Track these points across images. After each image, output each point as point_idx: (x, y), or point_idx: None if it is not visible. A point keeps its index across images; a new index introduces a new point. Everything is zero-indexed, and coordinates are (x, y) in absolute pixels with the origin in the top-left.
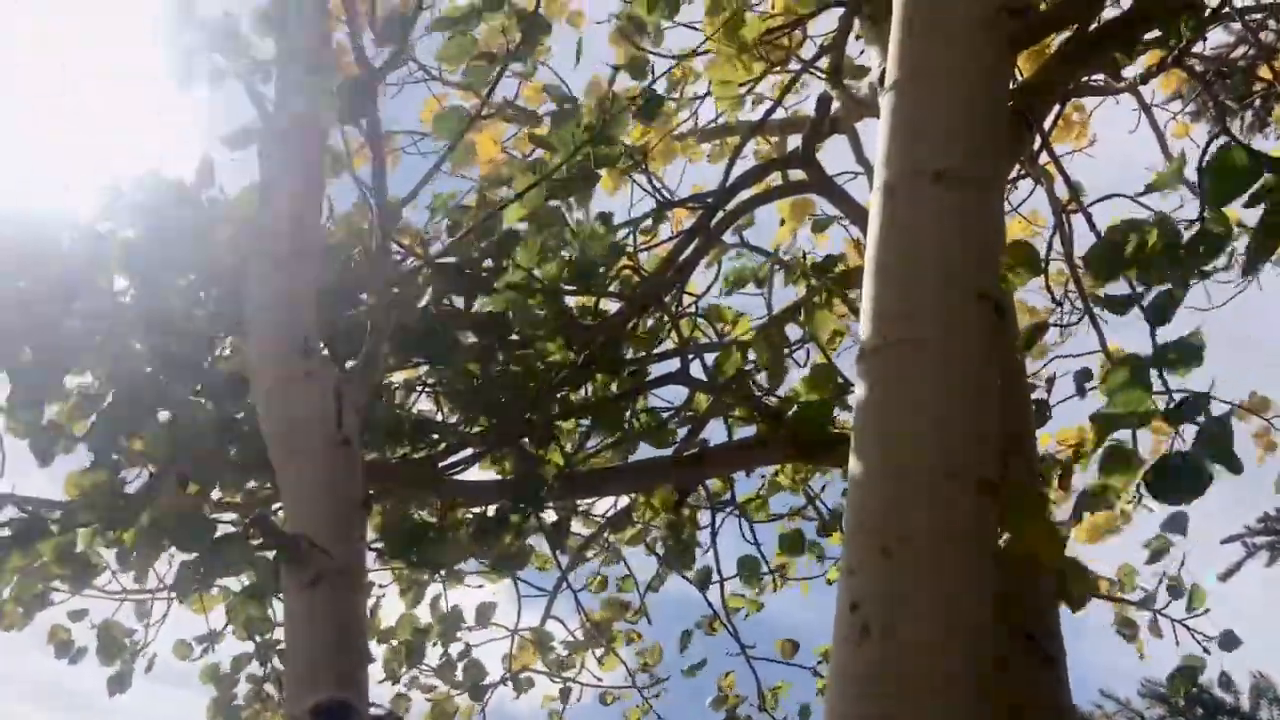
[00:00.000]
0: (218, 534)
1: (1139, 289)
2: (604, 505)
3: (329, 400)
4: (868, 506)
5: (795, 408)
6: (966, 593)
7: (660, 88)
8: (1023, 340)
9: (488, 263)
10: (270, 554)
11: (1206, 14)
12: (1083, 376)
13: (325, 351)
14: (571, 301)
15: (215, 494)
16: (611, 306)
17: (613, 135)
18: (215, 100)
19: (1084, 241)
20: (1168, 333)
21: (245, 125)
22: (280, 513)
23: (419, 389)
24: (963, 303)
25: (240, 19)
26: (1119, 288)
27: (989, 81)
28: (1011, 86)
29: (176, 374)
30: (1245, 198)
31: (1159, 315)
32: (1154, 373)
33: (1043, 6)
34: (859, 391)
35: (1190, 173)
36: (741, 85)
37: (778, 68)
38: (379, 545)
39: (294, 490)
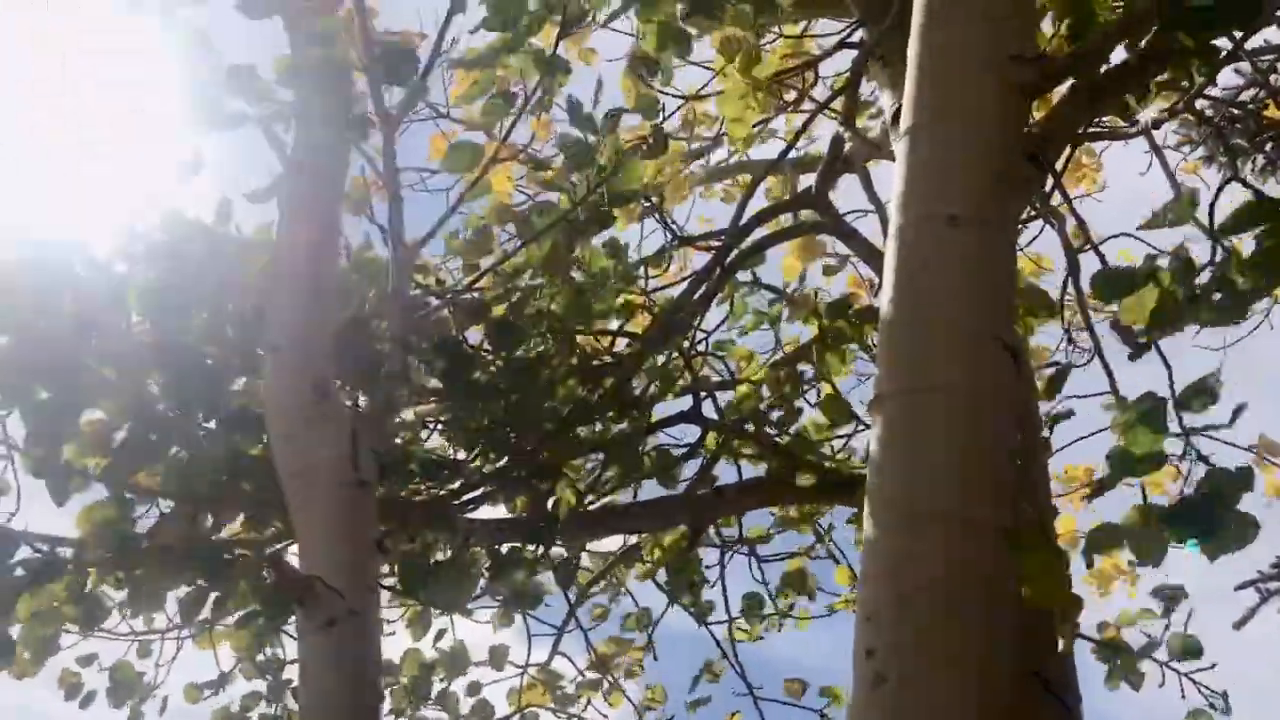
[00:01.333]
0: (225, 560)
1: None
2: (613, 542)
3: (345, 442)
4: (883, 552)
5: (805, 447)
6: (983, 643)
7: (672, 124)
8: (1045, 389)
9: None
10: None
11: (1221, 56)
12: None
13: (340, 390)
14: (583, 340)
15: (225, 529)
16: (621, 344)
17: (626, 178)
18: (233, 140)
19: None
20: (1183, 370)
21: (268, 180)
22: (293, 551)
23: (431, 425)
24: (978, 348)
25: (259, 66)
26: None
27: (1002, 127)
28: (1024, 129)
29: (190, 410)
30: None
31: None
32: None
33: (1053, 52)
34: (874, 436)
35: (1200, 211)
36: (754, 124)
37: (790, 107)
38: (391, 583)
39: (309, 532)
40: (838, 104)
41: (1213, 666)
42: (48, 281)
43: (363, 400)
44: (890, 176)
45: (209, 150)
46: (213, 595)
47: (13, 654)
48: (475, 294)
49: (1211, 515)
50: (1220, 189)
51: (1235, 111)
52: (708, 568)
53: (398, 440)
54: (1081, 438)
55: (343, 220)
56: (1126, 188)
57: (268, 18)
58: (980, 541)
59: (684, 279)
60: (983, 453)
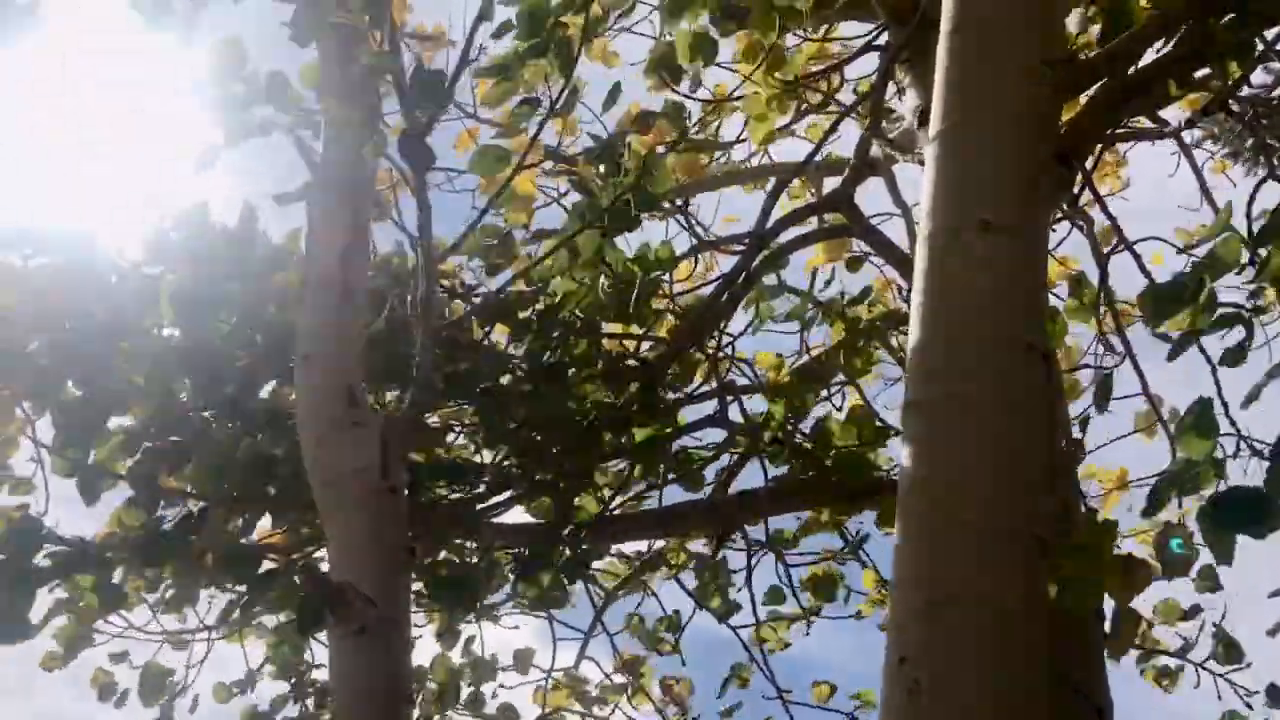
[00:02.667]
0: (262, 569)
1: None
2: (639, 544)
3: (375, 449)
4: (916, 561)
5: (836, 453)
6: (1016, 652)
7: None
8: (1094, 397)
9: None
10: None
11: (1257, 53)
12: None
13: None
14: (609, 344)
15: (255, 531)
16: (645, 347)
17: (657, 182)
18: (260, 145)
19: (1122, 280)
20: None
21: (296, 184)
22: (324, 556)
23: (457, 429)
24: (1010, 355)
25: (279, 67)
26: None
27: (1033, 131)
28: (1055, 131)
29: (219, 413)
30: None
31: (1232, 359)
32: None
33: (1082, 48)
34: (906, 443)
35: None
36: (778, 127)
37: (814, 110)
38: (419, 588)
39: (341, 539)
40: (862, 107)
41: (1247, 665)
42: (79, 283)
43: (392, 406)
44: (916, 179)
45: (232, 154)
46: (244, 598)
47: (27, 632)
48: (500, 295)
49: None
50: (1257, 190)
51: (1265, 108)
52: (734, 571)
53: (425, 444)
54: (1112, 440)
55: (371, 227)
56: (1150, 184)
57: (315, 41)
58: (1014, 549)
59: (709, 282)
60: (1015, 459)
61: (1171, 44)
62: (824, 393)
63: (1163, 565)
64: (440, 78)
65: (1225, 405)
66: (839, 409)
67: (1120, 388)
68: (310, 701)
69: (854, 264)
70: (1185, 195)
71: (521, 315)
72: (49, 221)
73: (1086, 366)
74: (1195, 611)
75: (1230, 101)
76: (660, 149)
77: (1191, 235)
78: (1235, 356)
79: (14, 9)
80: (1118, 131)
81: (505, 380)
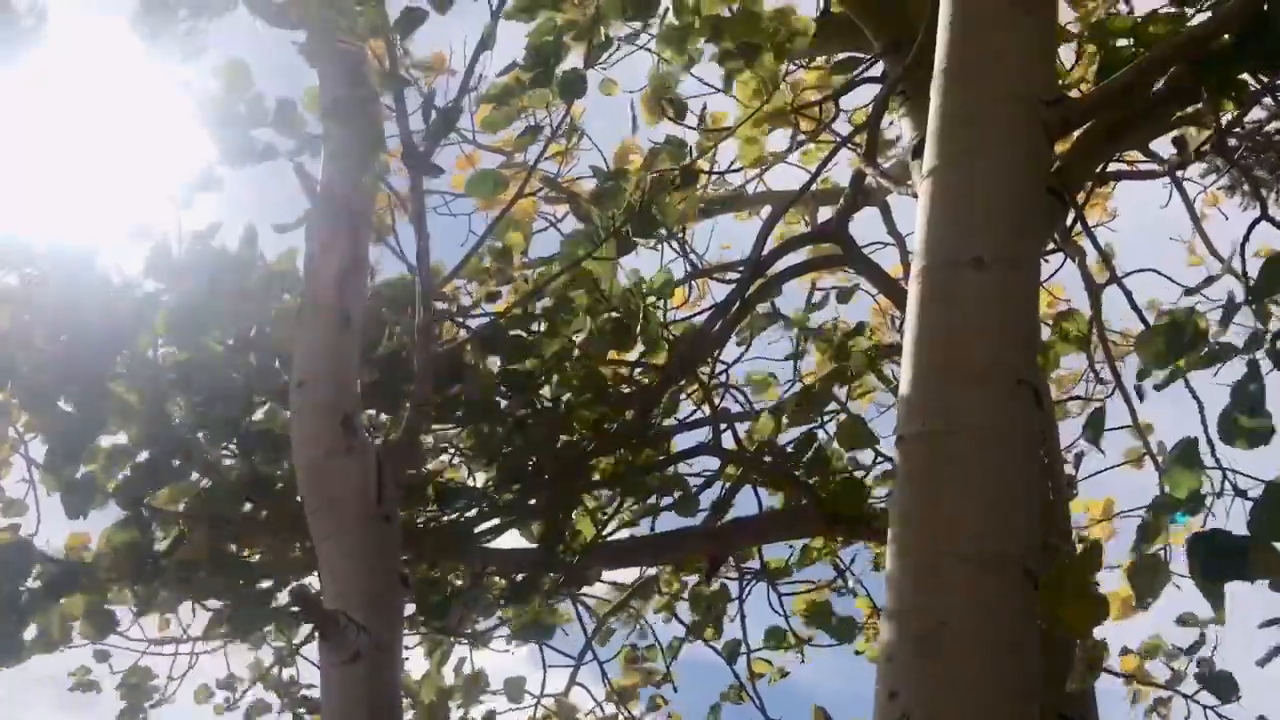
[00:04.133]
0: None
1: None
2: (631, 572)
3: (370, 476)
4: (906, 593)
5: (829, 483)
6: (1007, 686)
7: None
8: (1088, 433)
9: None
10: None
11: (1254, 90)
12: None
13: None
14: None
15: (246, 551)
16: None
17: (664, 216)
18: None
19: (1113, 308)
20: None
21: (293, 201)
22: (313, 577)
23: (450, 451)
24: (1001, 390)
25: (284, 94)
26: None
27: (1026, 169)
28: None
29: (212, 433)
30: None
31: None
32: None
33: (1076, 81)
34: (897, 476)
35: (1217, 244)
36: (771, 156)
37: (809, 140)
38: (409, 611)
39: (334, 566)
40: (858, 138)
41: (1238, 698)
42: (76, 301)
43: (387, 430)
44: (909, 209)
45: (232, 174)
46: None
47: (20, 655)
48: (497, 319)
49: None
50: (1250, 229)
51: (1256, 144)
52: (732, 600)
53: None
54: (1101, 470)
55: (369, 253)
56: (1139, 214)
57: (325, 62)
58: (1005, 582)
59: (701, 311)
60: (1006, 494)
61: (1163, 81)
62: (818, 419)
63: (1136, 594)
64: (452, 112)
65: (1211, 443)
66: (833, 437)
67: (1110, 418)
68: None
69: (845, 296)
70: (1176, 221)
71: (516, 337)
72: (48, 238)
73: (1077, 398)
74: (1194, 648)
75: (1225, 138)
76: (654, 175)
77: (1199, 259)
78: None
79: (18, 30)
80: (1107, 169)
81: (500, 404)
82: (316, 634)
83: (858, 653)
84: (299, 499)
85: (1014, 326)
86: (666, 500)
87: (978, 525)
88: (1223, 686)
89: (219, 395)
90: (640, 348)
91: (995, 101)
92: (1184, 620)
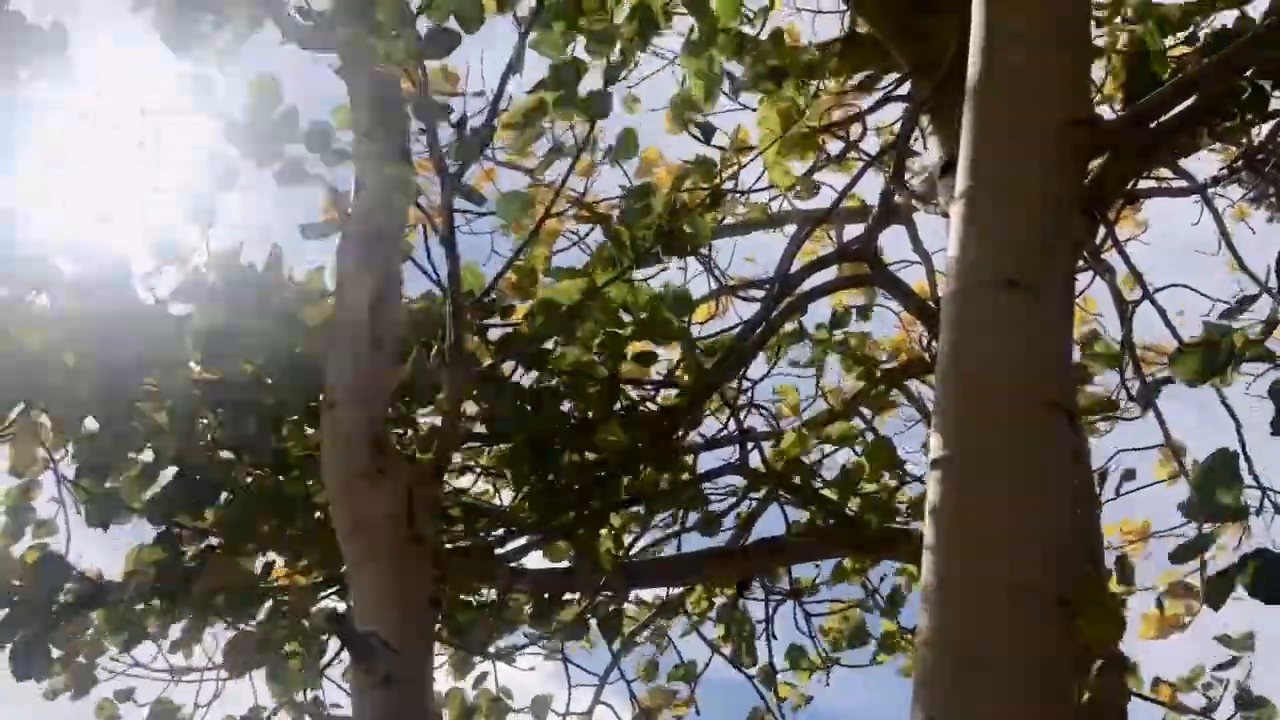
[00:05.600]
0: (270, 606)
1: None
2: (657, 590)
3: (401, 498)
4: (941, 619)
5: (858, 500)
6: (1043, 713)
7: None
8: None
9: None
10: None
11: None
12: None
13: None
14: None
15: (273, 572)
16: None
17: (695, 237)
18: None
19: (1143, 322)
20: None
21: (324, 219)
22: (337, 596)
23: (476, 471)
24: (1035, 413)
25: (311, 106)
26: None
27: (1058, 190)
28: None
29: (242, 452)
30: None
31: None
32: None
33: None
34: (930, 499)
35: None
36: (800, 176)
37: (837, 159)
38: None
39: (365, 589)
40: (885, 157)
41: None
42: (111, 314)
43: (418, 449)
44: (937, 227)
45: (259, 184)
46: (256, 637)
47: (48, 668)
48: (519, 330)
49: None
50: None
51: None
52: (757, 622)
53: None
54: (1134, 489)
55: (402, 274)
56: (1167, 227)
57: (358, 83)
58: (1038, 610)
59: (730, 328)
60: (1038, 518)
61: (1194, 99)
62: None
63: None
64: (485, 133)
65: (1249, 460)
66: (860, 455)
67: (1143, 437)
68: None
69: (865, 314)
70: (1205, 229)
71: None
72: (78, 257)
73: (1109, 417)
74: (1227, 665)
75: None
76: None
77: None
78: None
79: (39, 38)
80: (1140, 186)
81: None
82: (348, 657)
83: (878, 661)
84: (318, 515)
85: (1047, 349)
86: (692, 517)
87: (1011, 552)
88: (1260, 710)
89: (249, 414)
90: (664, 368)
91: (1027, 124)
92: (1224, 641)
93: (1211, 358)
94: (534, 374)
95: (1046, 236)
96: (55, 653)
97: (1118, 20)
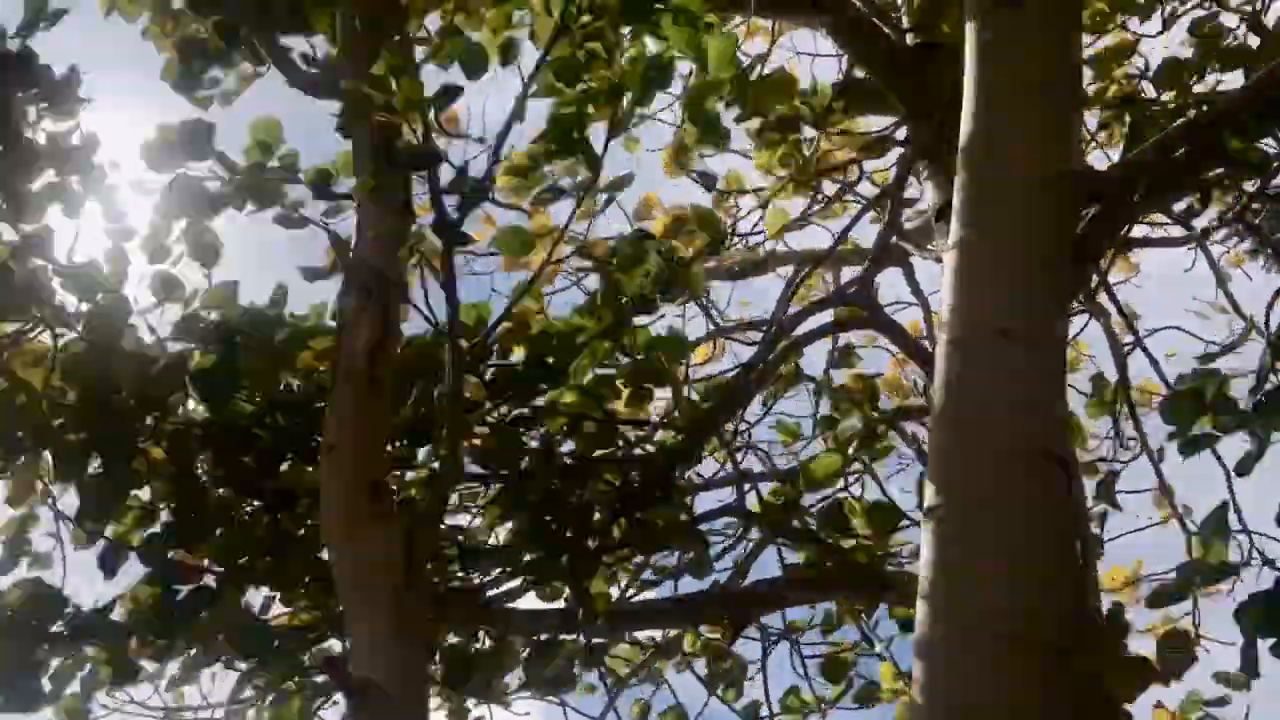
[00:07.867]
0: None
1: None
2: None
3: (399, 544)
4: (935, 670)
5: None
6: None
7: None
8: (1103, 494)
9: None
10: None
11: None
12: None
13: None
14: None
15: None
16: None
17: (690, 288)
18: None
19: (1137, 363)
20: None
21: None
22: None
23: (473, 511)
24: (1028, 463)
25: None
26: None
27: (1051, 241)
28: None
29: (239, 490)
30: None
31: (1242, 468)
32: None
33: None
34: (924, 548)
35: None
36: (794, 219)
37: (832, 202)
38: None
39: (362, 634)
40: (882, 201)
41: None
42: (108, 362)
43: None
44: (933, 270)
45: (257, 227)
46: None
47: (37, 702)
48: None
49: None
50: (1276, 298)
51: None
52: (751, 662)
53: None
54: (1127, 532)
55: (401, 319)
56: (1163, 267)
57: (360, 131)
58: (1034, 660)
59: (725, 371)
60: (1033, 569)
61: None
62: (840, 481)
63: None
64: (484, 184)
65: (1239, 510)
66: (858, 499)
67: (1136, 480)
68: None
69: (849, 360)
70: (1200, 278)
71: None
72: (80, 295)
73: (1101, 459)
74: (1219, 702)
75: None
76: (681, 242)
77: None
78: (1244, 467)
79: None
80: (1134, 236)
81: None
82: (344, 702)
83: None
84: (318, 557)
85: (1040, 398)
86: (684, 558)
87: (1004, 602)
88: None
89: (246, 453)
90: (659, 408)
91: (1019, 176)
92: (1221, 679)
93: (1199, 406)
94: (528, 410)
95: (1039, 286)
96: (47, 686)
97: (1117, 71)
